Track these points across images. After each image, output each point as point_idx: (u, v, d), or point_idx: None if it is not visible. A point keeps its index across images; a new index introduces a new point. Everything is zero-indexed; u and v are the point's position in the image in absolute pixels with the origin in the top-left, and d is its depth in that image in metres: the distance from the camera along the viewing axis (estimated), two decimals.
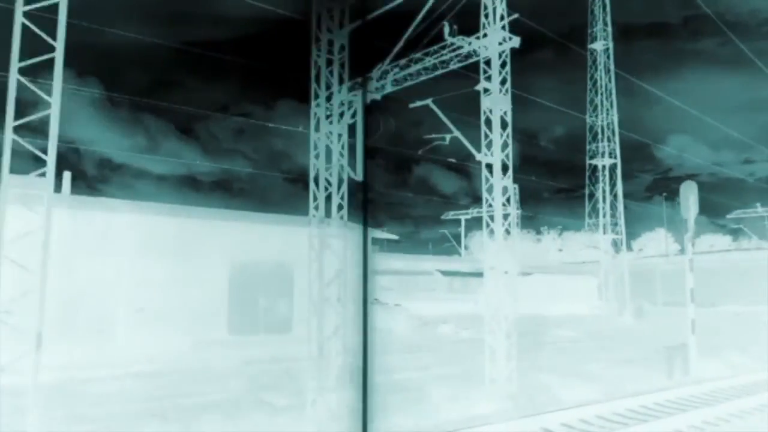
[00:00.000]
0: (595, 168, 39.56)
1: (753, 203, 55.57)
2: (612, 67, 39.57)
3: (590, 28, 39.97)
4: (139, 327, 16.90)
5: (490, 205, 11.94)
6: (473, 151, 12.53)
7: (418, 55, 14.29)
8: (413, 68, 14.57)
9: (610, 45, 39.63)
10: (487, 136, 12.27)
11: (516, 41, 12.36)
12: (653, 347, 19.40)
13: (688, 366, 16.50)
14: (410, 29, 11.54)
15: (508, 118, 12.34)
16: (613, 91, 39.29)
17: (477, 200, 48.79)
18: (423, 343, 20.85)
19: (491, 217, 12.38)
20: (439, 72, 14.30)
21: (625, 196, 39.92)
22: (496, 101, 12.19)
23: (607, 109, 39.10)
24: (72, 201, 19.56)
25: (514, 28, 12.47)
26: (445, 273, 52.18)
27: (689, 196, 17.64)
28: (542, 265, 60.62)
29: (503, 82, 12.44)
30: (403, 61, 14.63)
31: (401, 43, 11.54)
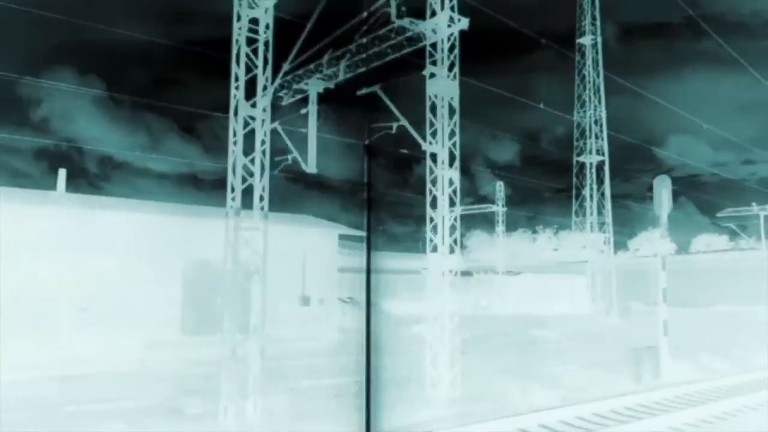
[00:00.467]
0: (582, 165, 38.73)
1: (752, 203, 54.79)
2: (601, 62, 38.76)
3: (578, 22, 39.14)
4: (84, 327, 16.17)
5: (432, 198, 11.16)
6: (419, 140, 11.75)
7: (366, 40, 13.52)
8: (362, 54, 13.79)
9: (599, 40, 38.82)
10: (432, 124, 11.49)
11: (464, 23, 11.56)
12: (632, 348, 18.71)
13: (659, 369, 15.72)
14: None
15: (456, 105, 11.57)
16: (602, 87, 38.47)
17: (478, 199, 47.95)
18: (388, 344, 20.05)
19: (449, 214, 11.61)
20: (391, 57, 13.54)
21: (627, 195, 39.14)
22: (442, 87, 11.42)
23: (595, 105, 38.26)
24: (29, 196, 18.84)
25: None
26: None
27: (662, 191, 16.88)
28: (533, 264, 59.81)
29: (451, 66, 11.67)
30: (352, 47, 13.86)
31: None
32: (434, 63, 11.52)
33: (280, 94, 16.24)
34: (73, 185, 21.32)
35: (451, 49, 11.67)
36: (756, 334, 26.62)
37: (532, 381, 14.04)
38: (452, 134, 11.51)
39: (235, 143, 9.27)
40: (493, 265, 50.49)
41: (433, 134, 11.40)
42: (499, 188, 43.44)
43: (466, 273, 53.34)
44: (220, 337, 17.67)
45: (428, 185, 11.27)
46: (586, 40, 38.69)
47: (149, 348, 15.91)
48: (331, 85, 15.26)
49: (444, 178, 11.44)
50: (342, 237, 21.38)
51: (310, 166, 15.42)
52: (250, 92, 9.60)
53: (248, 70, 9.48)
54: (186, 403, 9.69)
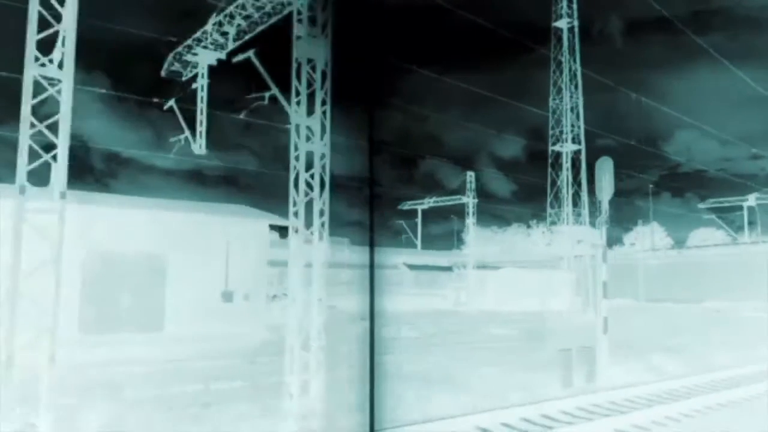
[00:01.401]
0: (558, 155, 37.06)
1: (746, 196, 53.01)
2: (578, 46, 37.03)
3: (554, 5, 37.39)
4: None
5: (296, 175, 9.62)
6: (289, 111, 10.21)
7: (245, 1, 12.02)
8: (245, 19, 12.29)
9: (576, 23, 37.09)
10: (298, 92, 9.95)
11: None
12: (563, 350, 17.20)
13: (595, 372, 14.14)
14: None
15: (328, 70, 10.01)
16: (578, 73, 36.73)
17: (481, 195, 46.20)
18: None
19: (310, 202, 10.07)
20: (274, 20, 12.04)
21: (631, 192, 37.66)
22: (308, 49, 9.87)
23: (571, 92, 36.54)
24: None
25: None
26: (411, 267, 49.80)
27: (604, 175, 15.31)
28: (523, 259, 58.07)
29: (324, 27, 10.11)
30: (231, 9, 12.37)
31: None
32: (301, 22, 9.96)
33: (174, 68, 14.75)
34: (81, 182, 20.06)
35: (324, 7, 10.10)
36: (730, 331, 25.05)
37: (443, 385, 12.51)
38: (323, 103, 9.96)
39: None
40: (483, 259, 48.86)
41: (299, 103, 9.85)
42: (470, 179, 41.84)
43: (446, 268, 51.89)
44: (124, 336, 15.99)
45: (292, 161, 9.72)
46: (562, 24, 36.97)
47: (34, 349, 14.44)
48: (222, 55, 13.77)
49: (315, 153, 9.91)
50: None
51: (199, 148, 13.96)
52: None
53: (47, 23, 7.94)
54: None
